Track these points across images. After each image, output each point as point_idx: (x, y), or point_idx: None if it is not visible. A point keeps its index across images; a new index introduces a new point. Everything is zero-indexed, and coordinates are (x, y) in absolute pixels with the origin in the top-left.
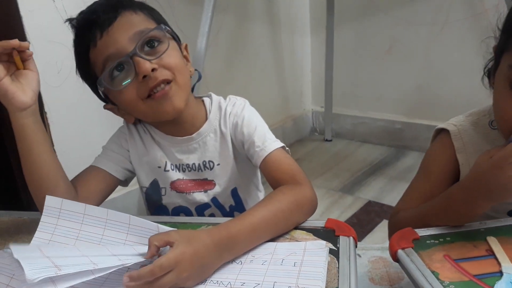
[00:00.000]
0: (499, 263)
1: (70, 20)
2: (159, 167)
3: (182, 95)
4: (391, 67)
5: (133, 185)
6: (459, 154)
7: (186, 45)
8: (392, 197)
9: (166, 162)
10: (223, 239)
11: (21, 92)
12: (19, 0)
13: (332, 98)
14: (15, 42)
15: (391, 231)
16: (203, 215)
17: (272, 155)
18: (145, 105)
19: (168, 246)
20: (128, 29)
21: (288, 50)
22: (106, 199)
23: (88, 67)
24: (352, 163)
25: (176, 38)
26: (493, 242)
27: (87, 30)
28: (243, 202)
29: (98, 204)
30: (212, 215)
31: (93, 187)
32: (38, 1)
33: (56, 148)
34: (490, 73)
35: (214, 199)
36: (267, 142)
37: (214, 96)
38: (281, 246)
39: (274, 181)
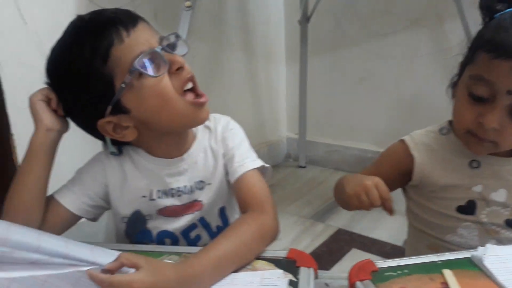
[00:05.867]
0: None
1: (80, 16)
2: (144, 196)
3: None
4: (363, 97)
5: None
6: (413, 151)
7: None
8: (362, 226)
9: (151, 190)
10: (187, 277)
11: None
12: None
13: (306, 125)
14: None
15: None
16: (189, 237)
17: (247, 175)
18: (184, 104)
19: (134, 269)
20: (151, 33)
21: (263, 78)
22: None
23: (103, 65)
24: (324, 190)
25: None
26: (448, 275)
27: (111, 25)
28: (229, 223)
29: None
30: (198, 236)
31: (49, 219)
32: (10, 24)
33: None
34: (454, 85)
35: (201, 219)
36: (247, 160)
37: None
38: (239, 276)
39: (242, 202)
